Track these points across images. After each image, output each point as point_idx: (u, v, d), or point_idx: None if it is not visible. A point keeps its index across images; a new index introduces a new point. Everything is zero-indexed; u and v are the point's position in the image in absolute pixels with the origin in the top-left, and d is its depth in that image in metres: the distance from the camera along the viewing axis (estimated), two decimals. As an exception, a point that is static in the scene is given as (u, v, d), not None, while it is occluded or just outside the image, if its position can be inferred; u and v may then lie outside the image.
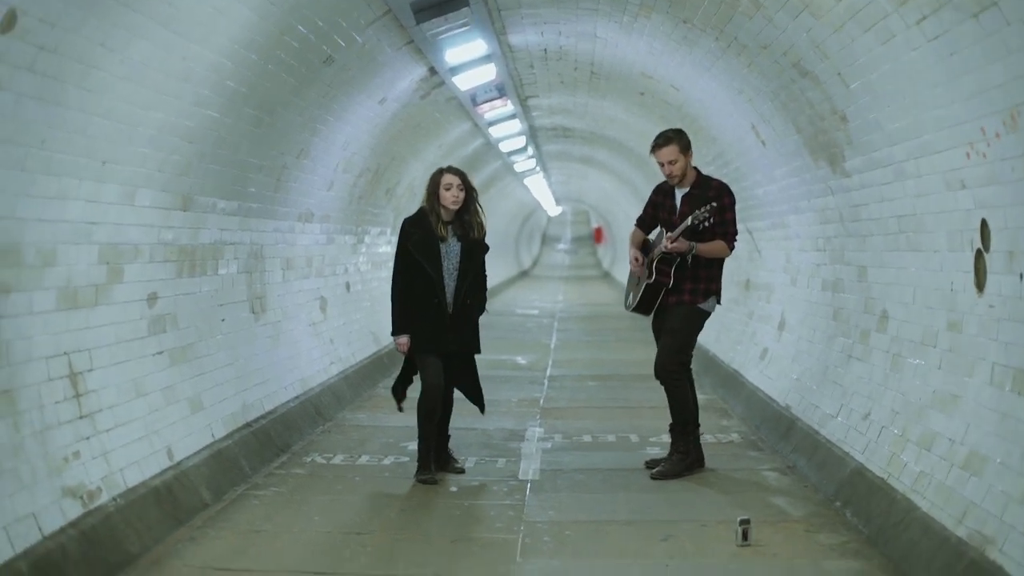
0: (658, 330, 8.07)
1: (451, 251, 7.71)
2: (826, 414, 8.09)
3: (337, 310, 12.10)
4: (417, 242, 7.67)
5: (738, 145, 11.08)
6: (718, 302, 7.96)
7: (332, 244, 11.97)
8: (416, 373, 7.88)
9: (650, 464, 8.11)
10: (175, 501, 6.58)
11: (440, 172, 7.76)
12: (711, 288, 7.88)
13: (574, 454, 8.72)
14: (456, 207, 7.70)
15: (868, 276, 7.82)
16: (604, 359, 15.51)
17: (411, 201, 14.46)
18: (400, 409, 8.05)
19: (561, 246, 67.89)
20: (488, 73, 11.66)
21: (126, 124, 6.13)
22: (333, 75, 9.24)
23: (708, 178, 7.95)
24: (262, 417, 8.64)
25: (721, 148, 11.87)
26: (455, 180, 7.69)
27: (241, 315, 8.79)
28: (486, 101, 13.47)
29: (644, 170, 19.58)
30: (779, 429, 9.01)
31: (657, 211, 8.03)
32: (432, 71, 11.27)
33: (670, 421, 7.99)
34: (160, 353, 7.08)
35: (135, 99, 6.12)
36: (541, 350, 16.68)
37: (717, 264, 7.90)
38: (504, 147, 19.15)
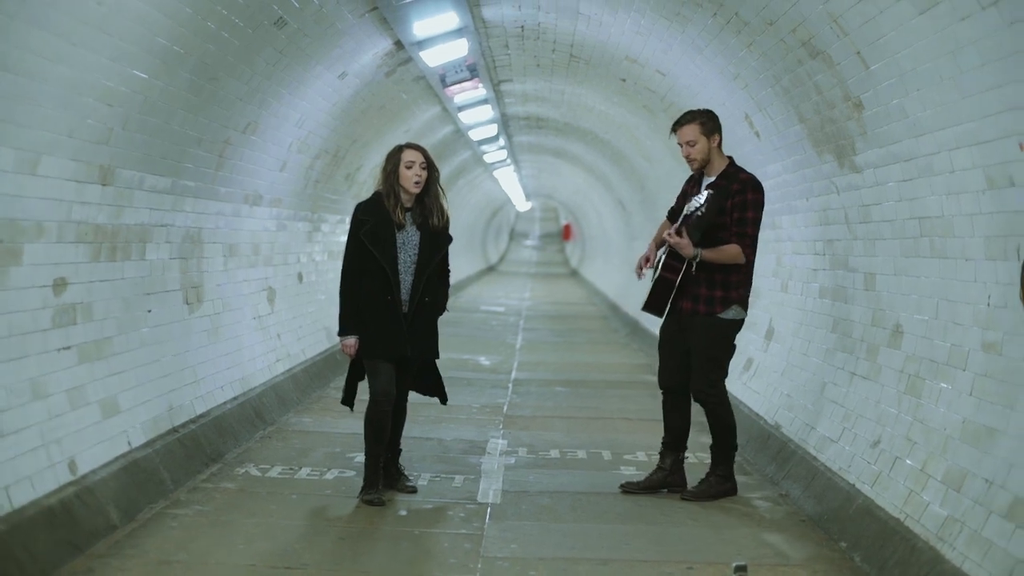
0: (667, 339, 7.18)
1: (409, 241, 6.79)
2: (824, 437, 7.20)
3: (287, 303, 11.12)
4: (370, 231, 6.74)
5: (728, 138, 10.13)
6: (744, 310, 7.07)
7: (284, 231, 11.00)
8: (363, 378, 6.94)
9: (626, 488, 7.21)
10: (74, 524, 5.60)
11: (400, 148, 6.82)
12: (731, 295, 6.95)
13: (540, 472, 7.79)
14: (418, 189, 6.78)
15: (877, 284, 6.94)
16: (574, 362, 14.56)
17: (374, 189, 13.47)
18: (352, 410, 7.14)
19: (529, 242, 67.05)
20: (459, 49, 10.68)
21: (25, 77, 5.16)
22: (286, 41, 8.26)
23: (738, 169, 7.08)
24: (192, 421, 7.68)
25: (708, 141, 10.94)
26: (418, 157, 6.76)
27: (172, 306, 7.81)
28: (456, 83, 12.48)
29: (621, 166, 18.66)
30: (768, 451, 8.11)
31: (685, 202, 7.12)
32: (398, 45, 10.30)
33: (662, 436, 7.22)
34: (67, 348, 6.11)
35: (36, 47, 5.15)
36: (506, 351, 15.71)
37: (736, 267, 6.97)
38: (474, 135, 18.18)
